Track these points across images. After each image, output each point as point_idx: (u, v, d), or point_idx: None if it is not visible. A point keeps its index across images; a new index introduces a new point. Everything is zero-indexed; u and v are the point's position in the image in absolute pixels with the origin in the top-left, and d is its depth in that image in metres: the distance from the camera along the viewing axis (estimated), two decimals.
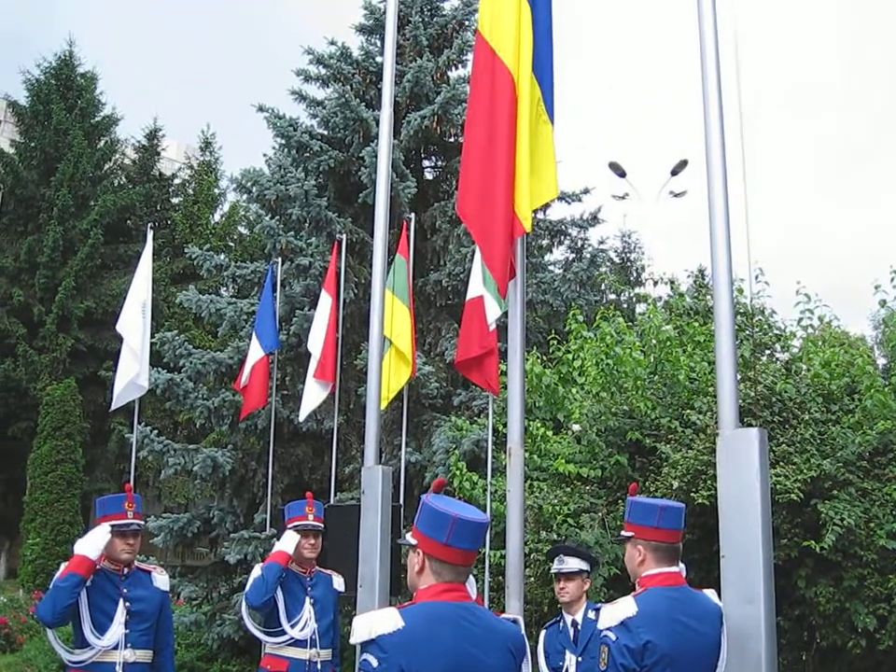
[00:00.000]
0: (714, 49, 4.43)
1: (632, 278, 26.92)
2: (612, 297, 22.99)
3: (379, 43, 15.79)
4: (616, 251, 26.99)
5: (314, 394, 11.32)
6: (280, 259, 13.22)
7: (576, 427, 9.34)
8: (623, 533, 4.43)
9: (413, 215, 11.30)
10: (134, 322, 11.52)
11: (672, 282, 12.10)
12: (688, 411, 8.38)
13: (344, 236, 12.49)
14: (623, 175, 23.99)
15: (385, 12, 9.74)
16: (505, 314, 6.93)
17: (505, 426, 5.55)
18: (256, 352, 11.90)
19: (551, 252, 16.67)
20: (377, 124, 12.17)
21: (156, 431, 13.95)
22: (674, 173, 23.72)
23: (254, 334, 12.16)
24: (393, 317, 9.42)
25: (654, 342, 9.52)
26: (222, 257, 16.39)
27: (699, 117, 4.42)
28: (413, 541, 3.09)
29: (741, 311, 9.71)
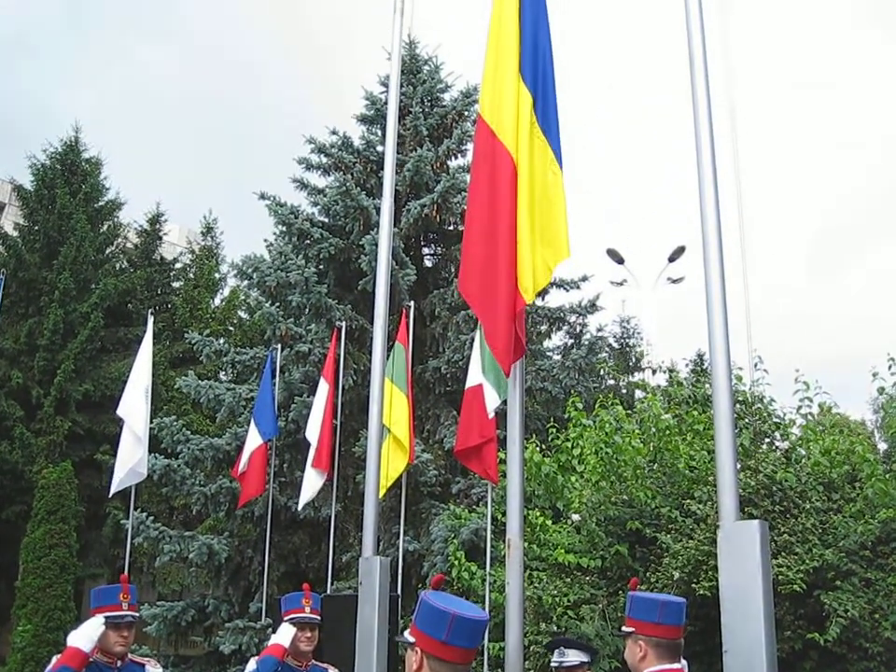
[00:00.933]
0: (710, 142, 4.50)
1: (631, 364, 26.90)
2: (611, 382, 22.94)
3: (380, 132, 16.06)
4: (615, 336, 27.03)
5: (311, 482, 11.31)
6: (280, 346, 13.29)
7: (575, 517, 9.28)
8: (623, 629, 4.37)
9: (412, 302, 11.40)
10: (137, 407, 11.54)
11: (671, 370, 12.14)
12: (688, 500, 8.34)
13: (344, 323, 12.58)
14: (620, 261, 24.18)
15: (386, 102, 9.92)
16: (504, 401, 6.93)
17: (504, 514, 5.51)
18: (254, 439, 11.90)
19: (549, 338, 16.74)
20: (377, 212, 12.35)
21: (151, 517, 13.84)
22: (671, 259, 23.90)
23: (252, 421, 12.16)
24: (391, 405, 9.45)
25: (654, 430, 9.50)
26: (221, 341, 16.48)
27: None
28: (412, 639, 3.04)
29: (740, 399, 9.72)
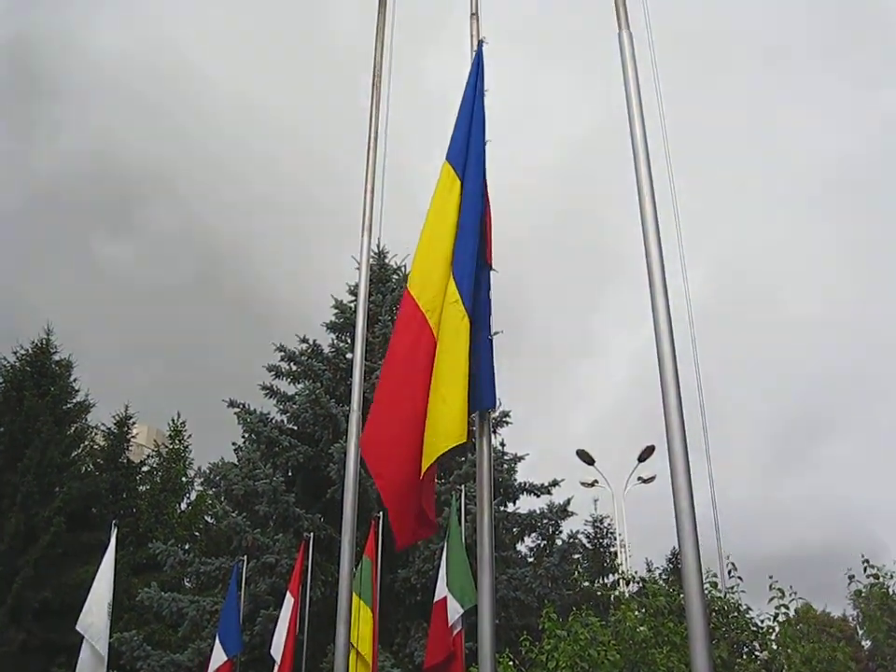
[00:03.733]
0: (670, 344, 4.59)
1: (605, 564, 26.54)
2: (586, 584, 22.55)
3: (349, 340, 16.28)
4: (588, 536, 26.83)
5: None
6: (246, 557, 13.02)
7: None
8: None
9: (381, 512, 11.26)
10: (98, 623, 11.16)
11: (644, 580, 11.94)
12: None
13: (312, 534, 12.38)
14: (591, 462, 24.21)
15: (355, 311, 10.13)
16: (474, 608, 6.77)
17: None
18: (219, 656, 11.48)
19: (522, 541, 16.52)
20: (346, 420, 12.36)
21: None
22: (641, 459, 23.97)
23: (217, 637, 11.77)
24: (358, 621, 9.23)
25: (630, 642, 9.27)
26: (187, 547, 16.13)
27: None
28: None
29: (715, 608, 9.55)
